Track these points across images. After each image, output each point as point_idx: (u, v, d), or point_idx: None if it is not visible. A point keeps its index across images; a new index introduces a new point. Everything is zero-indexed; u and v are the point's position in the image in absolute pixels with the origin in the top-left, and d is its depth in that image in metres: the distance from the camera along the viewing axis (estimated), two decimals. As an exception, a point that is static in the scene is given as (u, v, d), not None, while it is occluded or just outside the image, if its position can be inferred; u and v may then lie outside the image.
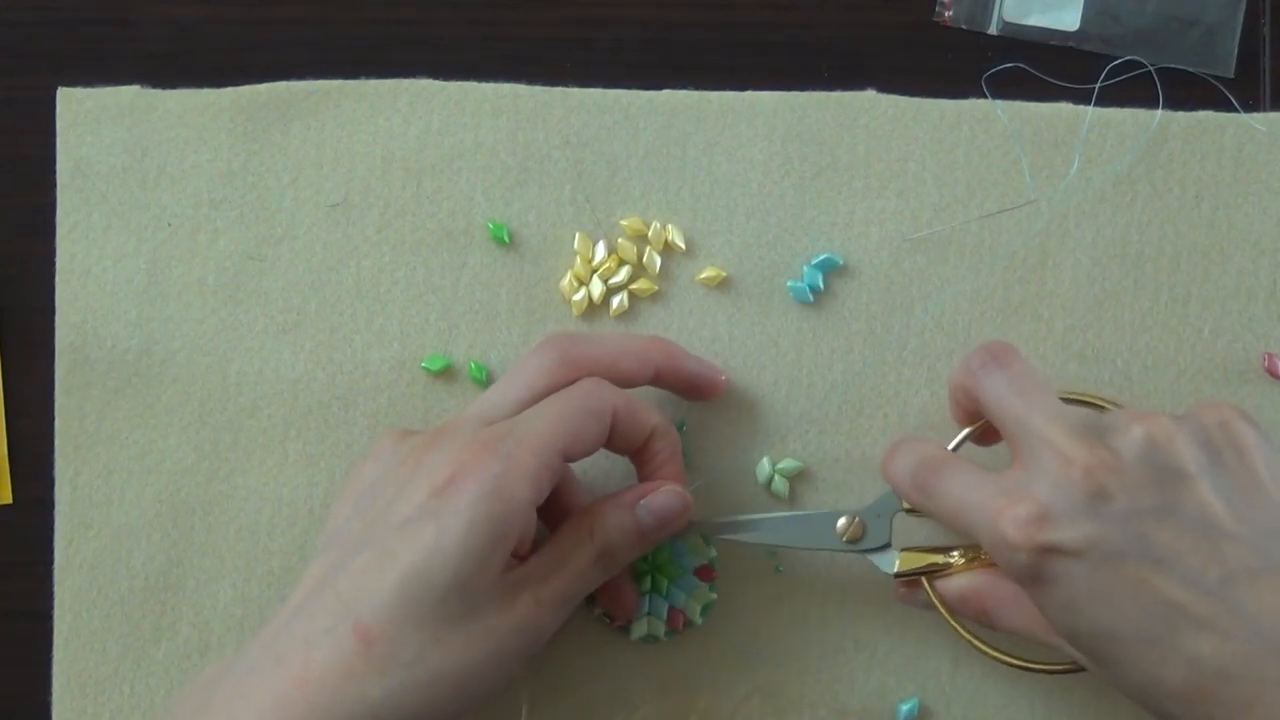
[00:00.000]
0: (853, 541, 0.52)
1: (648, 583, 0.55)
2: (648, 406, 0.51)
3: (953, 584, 0.51)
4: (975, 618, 0.51)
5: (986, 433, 0.52)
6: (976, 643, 0.51)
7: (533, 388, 0.50)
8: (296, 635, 0.46)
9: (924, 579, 0.51)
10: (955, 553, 0.51)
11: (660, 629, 0.55)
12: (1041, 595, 0.46)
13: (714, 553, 0.56)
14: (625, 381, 0.52)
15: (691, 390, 0.54)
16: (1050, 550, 0.45)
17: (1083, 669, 0.48)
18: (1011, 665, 0.50)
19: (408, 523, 0.46)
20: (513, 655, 0.47)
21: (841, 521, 0.53)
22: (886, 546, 0.52)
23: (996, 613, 0.50)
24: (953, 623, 0.51)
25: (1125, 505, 0.44)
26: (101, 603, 0.57)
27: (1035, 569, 0.45)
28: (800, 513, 0.54)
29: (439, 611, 0.45)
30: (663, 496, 0.51)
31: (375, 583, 0.45)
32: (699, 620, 0.55)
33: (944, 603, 0.51)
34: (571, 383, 0.50)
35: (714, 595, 0.56)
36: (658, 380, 0.53)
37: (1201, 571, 0.43)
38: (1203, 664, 0.43)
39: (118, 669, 0.57)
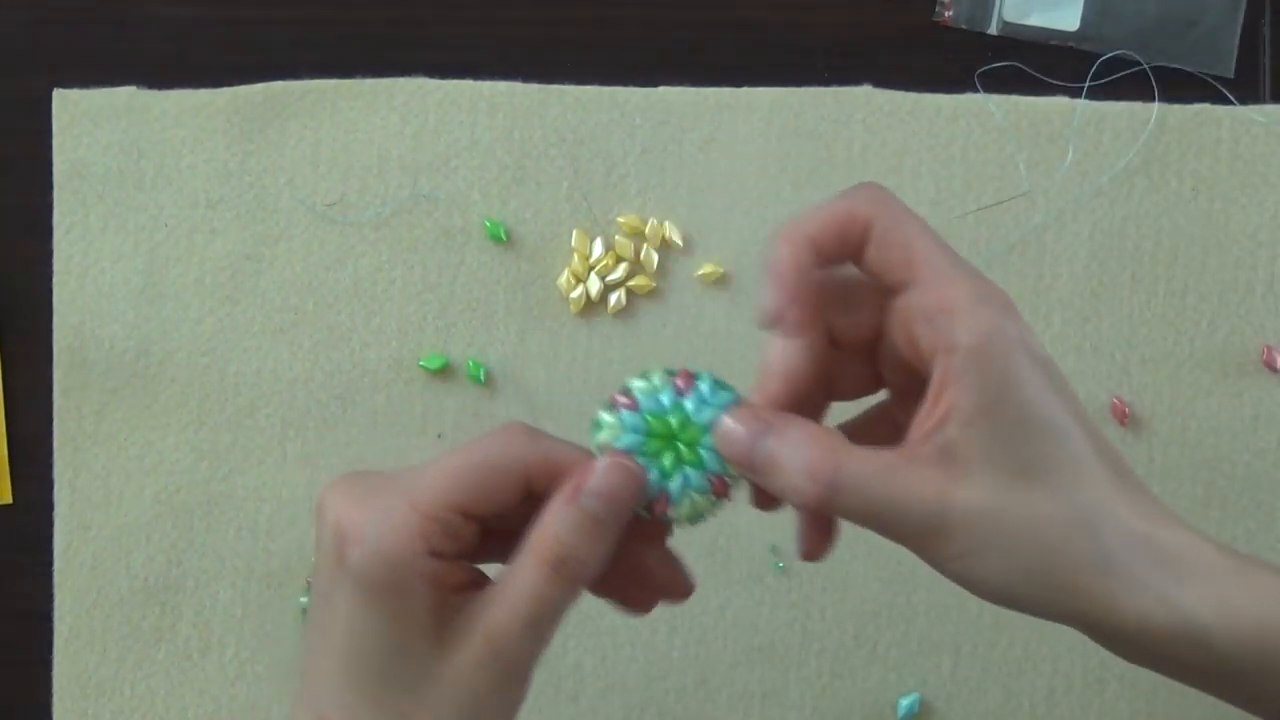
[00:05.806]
0: None
1: (670, 457, 0.44)
2: (575, 454, 0.44)
3: None
4: None
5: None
6: None
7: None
8: None
9: None
10: None
11: (704, 503, 0.44)
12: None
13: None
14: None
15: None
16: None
17: None
18: None
19: (324, 599, 0.43)
20: (491, 692, 0.43)
21: None
22: None
23: None
24: None
25: None
26: (101, 603, 0.57)
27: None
28: None
29: (389, 683, 0.42)
30: (602, 474, 0.43)
31: (325, 668, 0.43)
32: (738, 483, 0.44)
33: None
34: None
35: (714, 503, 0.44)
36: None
37: None
38: None
39: (118, 670, 0.57)
